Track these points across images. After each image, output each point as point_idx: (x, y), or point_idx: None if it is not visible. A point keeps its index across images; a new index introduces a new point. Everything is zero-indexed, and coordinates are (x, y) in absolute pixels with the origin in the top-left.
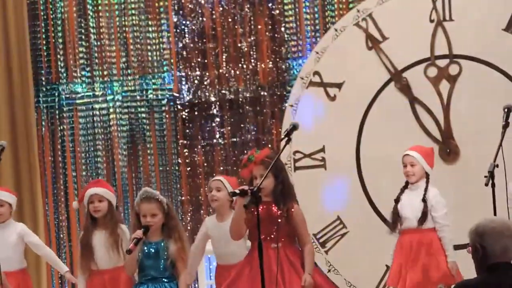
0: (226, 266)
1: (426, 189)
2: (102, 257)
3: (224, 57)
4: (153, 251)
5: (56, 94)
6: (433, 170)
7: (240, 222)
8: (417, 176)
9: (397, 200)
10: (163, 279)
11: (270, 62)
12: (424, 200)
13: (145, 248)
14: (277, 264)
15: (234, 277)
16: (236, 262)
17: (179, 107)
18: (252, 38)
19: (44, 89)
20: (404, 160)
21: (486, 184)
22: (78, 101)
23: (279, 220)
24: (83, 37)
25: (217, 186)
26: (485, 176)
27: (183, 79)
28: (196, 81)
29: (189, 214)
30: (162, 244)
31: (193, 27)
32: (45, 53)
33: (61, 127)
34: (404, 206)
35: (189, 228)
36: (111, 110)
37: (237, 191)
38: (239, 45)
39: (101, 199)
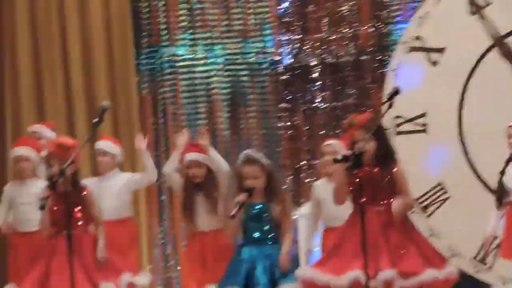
0: (335, 229)
1: None
2: (203, 220)
3: (325, 21)
4: (256, 213)
5: (158, 56)
6: None
7: (343, 187)
8: None
9: (502, 173)
10: (267, 241)
11: (372, 26)
12: None
13: (248, 210)
14: (378, 228)
15: (336, 242)
16: None
17: (280, 70)
18: (353, 2)
19: (146, 51)
20: (509, 131)
21: None
22: (179, 64)
23: (382, 183)
24: None
25: (331, 150)
26: None
27: (284, 43)
28: (297, 45)
29: (290, 178)
30: (265, 206)
31: None
32: (147, 16)
33: (163, 90)
34: (510, 178)
35: (289, 191)
36: (212, 73)
37: (339, 158)
38: (340, 9)
39: (200, 165)
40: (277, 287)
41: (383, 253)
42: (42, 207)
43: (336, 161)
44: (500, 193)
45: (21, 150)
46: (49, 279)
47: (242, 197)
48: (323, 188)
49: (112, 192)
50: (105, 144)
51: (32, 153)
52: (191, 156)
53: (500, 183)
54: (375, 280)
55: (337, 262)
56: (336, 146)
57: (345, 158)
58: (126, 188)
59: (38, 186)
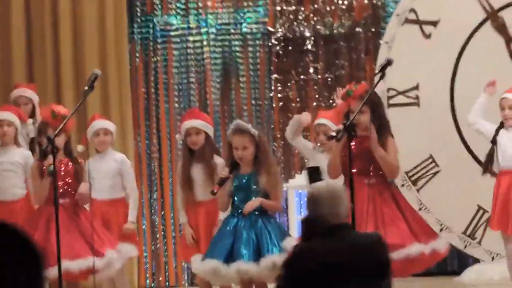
0: None
1: None
2: (200, 189)
3: None
4: (244, 184)
5: (151, 25)
6: None
7: (337, 161)
8: None
9: (494, 142)
10: (254, 212)
11: None
12: None
13: (236, 180)
14: (367, 199)
15: None
16: None
17: (273, 41)
18: None
19: (139, 20)
20: (502, 103)
21: None
22: (172, 33)
23: (374, 155)
24: None
25: (324, 130)
26: None
27: (278, 13)
28: (291, 16)
29: (281, 149)
30: (253, 177)
31: None
32: None
33: (155, 59)
34: (505, 146)
35: (281, 162)
36: (205, 43)
37: (333, 134)
38: None
39: (199, 131)
40: (262, 257)
41: (370, 224)
42: (51, 174)
43: (330, 137)
44: (487, 161)
45: (5, 115)
46: (47, 247)
47: (225, 171)
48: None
49: (107, 172)
50: (106, 123)
51: (15, 119)
52: (190, 123)
53: (491, 152)
54: None
55: None
56: (328, 125)
57: (338, 133)
58: (117, 171)
59: (18, 154)
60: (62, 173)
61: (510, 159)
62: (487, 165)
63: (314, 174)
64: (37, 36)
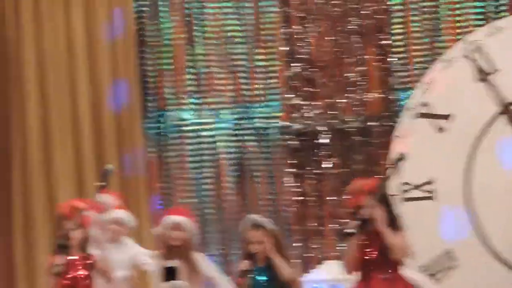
0: None
1: None
2: None
3: (332, 86)
4: (260, 277)
5: (163, 121)
6: None
7: (354, 258)
8: None
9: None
10: None
11: (379, 93)
12: None
13: (255, 276)
14: None
15: None
16: None
17: (287, 136)
18: (360, 68)
19: (152, 116)
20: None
21: None
22: (186, 128)
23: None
24: (191, 64)
25: None
26: None
27: (292, 107)
28: (305, 110)
29: (298, 244)
30: (270, 272)
31: (302, 56)
32: (153, 80)
33: (168, 155)
34: None
35: (298, 257)
36: (219, 138)
37: (348, 232)
38: (347, 74)
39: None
40: None
41: None
42: (56, 274)
43: (345, 234)
44: None
45: None
46: None
47: (244, 264)
48: None
49: (121, 263)
50: (123, 214)
51: None
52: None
53: None
54: None
55: None
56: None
57: (352, 233)
58: (133, 261)
59: None
60: (76, 268)
61: None
62: None
63: (171, 274)
64: (57, 131)
